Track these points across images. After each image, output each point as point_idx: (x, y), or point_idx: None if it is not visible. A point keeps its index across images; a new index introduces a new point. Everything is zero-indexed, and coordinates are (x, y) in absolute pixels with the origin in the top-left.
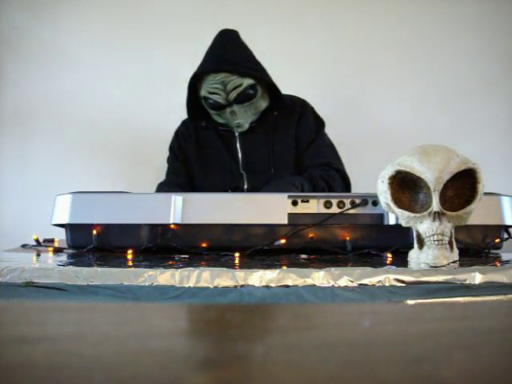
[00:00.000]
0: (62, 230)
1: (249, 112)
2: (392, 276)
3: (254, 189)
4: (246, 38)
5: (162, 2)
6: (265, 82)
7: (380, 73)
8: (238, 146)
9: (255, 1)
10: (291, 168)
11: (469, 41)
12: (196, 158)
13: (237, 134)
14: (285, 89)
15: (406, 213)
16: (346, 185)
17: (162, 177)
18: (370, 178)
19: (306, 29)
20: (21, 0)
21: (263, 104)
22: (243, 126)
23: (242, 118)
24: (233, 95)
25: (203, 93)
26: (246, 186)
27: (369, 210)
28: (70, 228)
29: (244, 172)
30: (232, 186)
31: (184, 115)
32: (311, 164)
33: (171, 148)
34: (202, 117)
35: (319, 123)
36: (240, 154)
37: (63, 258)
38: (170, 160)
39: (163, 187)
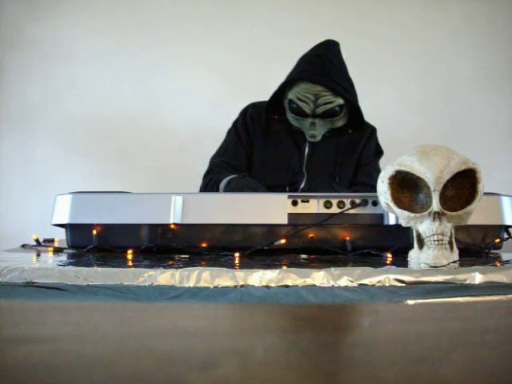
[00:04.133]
0: (62, 230)
1: (327, 125)
2: (392, 276)
3: (310, 190)
4: (246, 33)
5: (163, 1)
6: (352, 106)
7: (379, 73)
8: (306, 144)
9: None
10: (350, 183)
11: (469, 40)
12: (262, 144)
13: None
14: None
15: (406, 213)
16: None
17: (162, 177)
18: None
19: (303, 27)
20: (21, 0)
21: (340, 122)
22: (316, 138)
23: (319, 131)
24: (321, 110)
25: (291, 96)
26: (302, 185)
27: (369, 210)
28: (70, 228)
29: (306, 172)
30: (290, 182)
31: (186, 116)
32: (361, 182)
33: (236, 126)
34: (276, 111)
35: (379, 151)
36: (306, 153)
37: (63, 257)
38: (231, 137)
39: (220, 165)
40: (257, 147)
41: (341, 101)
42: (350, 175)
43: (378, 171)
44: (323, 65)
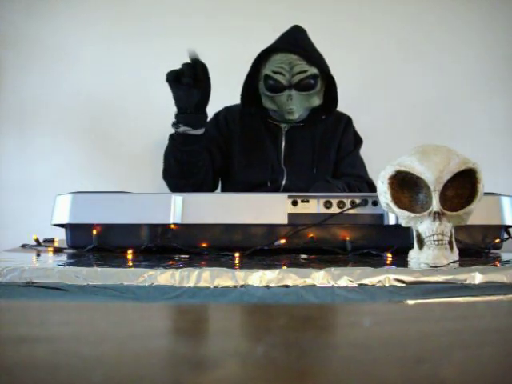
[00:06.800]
0: (62, 230)
1: (303, 103)
2: (392, 276)
3: (292, 185)
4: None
5: None
6: (326, 78)
7: (381, 71)
8: (283, 140)
9: None
10: (330, 172)
11: (470, 40)
12: (239, 144)
13: (283, 129)
14: None
15: (406, 213)
16: None
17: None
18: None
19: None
20: None
21: (317, 101)
22: (294, 114)
23: (296, 105)
24: (296, 79)
25: (267, 71)
26: (284, 182)
27: (369, 209)
28: (70, 228)
29: (285, 168)
30: (271, 179)
31: None
32: (346, 173)
33: (206, 129)
34: (252, 105)
35: (358, 139)
36: (283, 149)
37: (63, 257)
38: None
39: None
40: (235, 146)
41: (315, 70)
42: (328, 165)
43: (359, 160)
44: (294, 38)
